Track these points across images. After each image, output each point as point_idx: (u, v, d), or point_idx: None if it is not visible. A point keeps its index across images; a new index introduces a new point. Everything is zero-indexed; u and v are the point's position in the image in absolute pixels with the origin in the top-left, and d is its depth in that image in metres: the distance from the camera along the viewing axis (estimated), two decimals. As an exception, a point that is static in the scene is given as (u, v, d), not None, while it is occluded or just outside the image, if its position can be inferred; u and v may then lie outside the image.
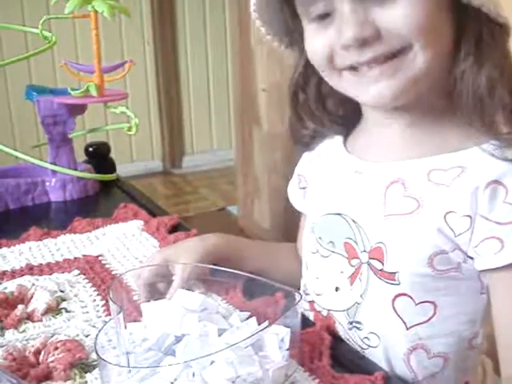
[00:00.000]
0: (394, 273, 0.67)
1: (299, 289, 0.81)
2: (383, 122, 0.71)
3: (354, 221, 0.71)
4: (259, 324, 0.66)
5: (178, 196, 3.34)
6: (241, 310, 0.73)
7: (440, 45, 0.64)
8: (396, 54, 0.63)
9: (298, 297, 0.64)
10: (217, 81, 3.72)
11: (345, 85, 0.68)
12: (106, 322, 0.64)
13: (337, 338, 0.70)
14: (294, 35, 0.73)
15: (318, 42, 0.67)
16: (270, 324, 0.60)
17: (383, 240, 0.68)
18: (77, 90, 1.17)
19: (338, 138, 0.78)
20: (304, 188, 0.85)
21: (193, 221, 2.82)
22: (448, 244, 0.65)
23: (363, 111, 0.75)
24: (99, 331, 0.58)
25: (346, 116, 0.77)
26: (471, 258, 0.64)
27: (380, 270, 0.68)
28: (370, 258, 0.69)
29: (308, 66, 0.73)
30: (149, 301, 0.75)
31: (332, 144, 0.79)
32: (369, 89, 0.65)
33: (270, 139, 2.23)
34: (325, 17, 0.65)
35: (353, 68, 0.66)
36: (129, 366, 0.59)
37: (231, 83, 3.38)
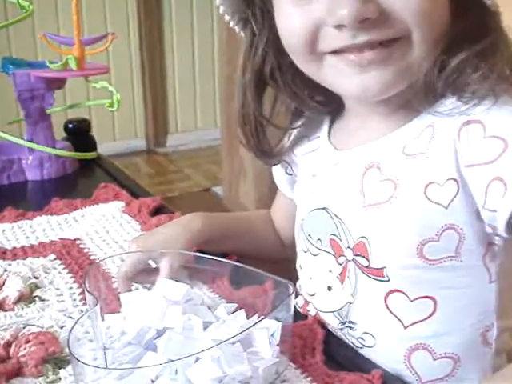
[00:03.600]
0: (381, 268, 0.62)
1: (291, 279, 0.77)
2: (362, 113, 0.66)
3: (335, 215, 0.66)
4: (248, 316, 0.61)
5: (162, 175, 3.27)
6: (228, 301, 0.68)
7: (438, 33, 0.58)
8: (392, 42, 0.57)
9: (290, 288, 0.59)
10: (203, 58, 3.63)
11: (325, 72, 0.62)
12: (81, 315, 0.59)
13: (330, 333, 0.66)
14: (254, 10, 0.66)
15: (297, 20, 0.59)
16: (261, 319, 0.56)
17: (365, 234, 0.63)
18: (56, 63, 1.11)
19: (326, 123, 0.73)
20: (291, 175, 0.80)
21: (176, 201, 2.76)
22: (434, 226, 0.59)
23: (344, 100, 0.69)
24: (73, 326, 0.53)
25: (330, 100, 0.71)
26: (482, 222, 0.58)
27: (366, 267, 0.63)
28: (354, 255, 0.64)
29: (272, 46, 0.66)
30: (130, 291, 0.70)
31: (320, 127, 0.74)
32: (352, 79, 0.59)
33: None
34: None
35: (336, 52, 0.59)
36: (106, 367, 0.54)
37: (217, 61, 3.31)
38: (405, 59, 0.58)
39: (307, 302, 0.72)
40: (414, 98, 0.60)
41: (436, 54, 0.59)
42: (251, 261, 0.71)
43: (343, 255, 0.65)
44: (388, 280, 0.61)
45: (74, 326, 0.54)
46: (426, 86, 0.59)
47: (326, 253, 0.68)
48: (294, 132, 0.77)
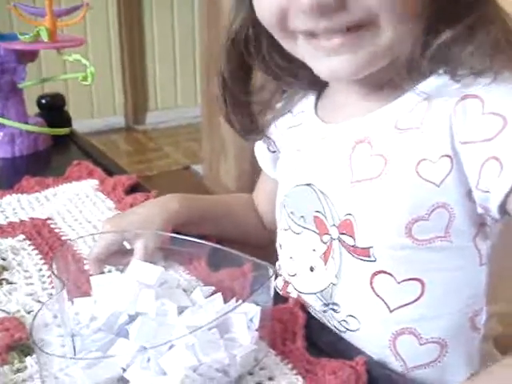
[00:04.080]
0: (368, 248, 0.59)
1: (271, 262, 0.74)
2: (343, 90, 0.64)
3: (321, 191, 0.63)
4: (225, 300, 0.58)
5: (141, 153, 3.22)
6: (204, 283, 0.65)
7: (411, 14, 0.55)
8: (360, 27, 0.55)
9: (270, 271, 0.56)
10: (183, 32, 3.56)
11: (299, 50, 0.60)
12: (47, 301, 0.56)
13: (311, 317, 0.63)
14: None
15: None
16: (239, 303, 0.53)
17: (351, 211, 0.60)
18: (27, 35, 1.06)
19: (311, 98, 0.70)
20: (274, 152, 0.77)
21: (155, 180, 2.72)
22: (425, 204, 0.56)
23: None
24: (37, 312, 0.50)
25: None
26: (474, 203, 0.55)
27: (352, 246, 0.60)
28: (340, 234, 0.61)
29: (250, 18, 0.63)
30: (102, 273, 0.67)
31: (304, 103, 0.71)
32: (323, 61, 0.57)
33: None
34: None
35: (310, 34, 0.57)
36: (74, 357, 0.51)
37: (198, 36, 3.24)
38: (375, 44, 0.55)
39: (287, 283, 0.69)
40: (396, 76, 0.58)
41: (416, 34, 0.56)
42: (232, 245, 0.68)
43: (328, 234, 0.62)
44: (374, 260, 0.59)
45: (38, 312, 0.50)
46: (408, 65, 0.56)
47: (309, 231, 0.65)
48: (277, 107, 0.74)
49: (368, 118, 0.61)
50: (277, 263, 0.74)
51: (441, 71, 0.56)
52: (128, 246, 0.69)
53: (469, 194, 0.55)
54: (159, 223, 0.71)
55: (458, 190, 0.55)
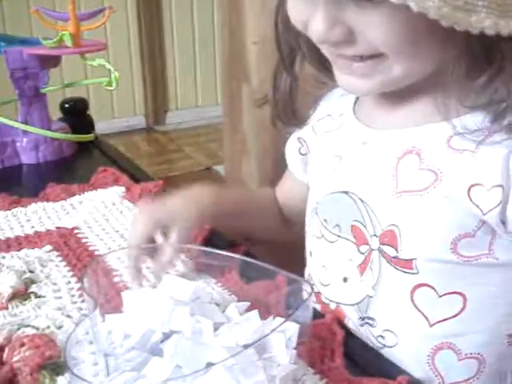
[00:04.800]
0: (411, 260, 0.57)
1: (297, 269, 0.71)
2: (388, 94, 0.61)
3: (361, 200, 0.61)
4: (261, 316, 0.56)
5: (162, 154, 3.21)
6: (238, 297, 0.63)
7: (424, 60, 0.54)
8: (371, 57, 0.53)
9: (308, 288, 0.54)
10: (203, 32, 3.54)
11: (326, 54, 0.59)
12: (79, 322, 0.54)
13: (349, 333, 0.61)
14: None
15: (294, 5, 0.56)
16: (281, 323, 0.51)
17: (396, 222, 0.58)
18: (50, 39, 1.05)
19: (351, 97, 0.67)
20: (305, 154, 0.74)
21: (177, 181, 2.70)
22: (473, 224, 0.55)
23: None
24: (69, 336, 0.48)
25: None
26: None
27: (394, 258, 0.58)
28: (381, 244, 0.59)
29: None
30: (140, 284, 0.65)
31: (344, 104, 0.68)
32: (341, 76, 0.57)
33: (260, 99, 2.11)
34: None
35: None
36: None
37: (218, 35, 3.22)
38: (387, 73, 0.54)
39: (319, 293, 0.67)
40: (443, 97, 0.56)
41: (446, 61, 0.54)
42: (254, 243, 0.67)
43: (367, 244, 0.60)
44: (417, 273, 0.57)
45: (71, 333, 0.48)
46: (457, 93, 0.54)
47: (345, 240, 0.63)
48: (317, 109, 0.72)
49: (421, 130, 0.58)
50: (306, 271, 0.72)
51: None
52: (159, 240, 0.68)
53: None
54: (194, 216, 0.70)
55: (504, 216, 0.54)
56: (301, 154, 0.75)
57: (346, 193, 0.63)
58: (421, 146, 0.57)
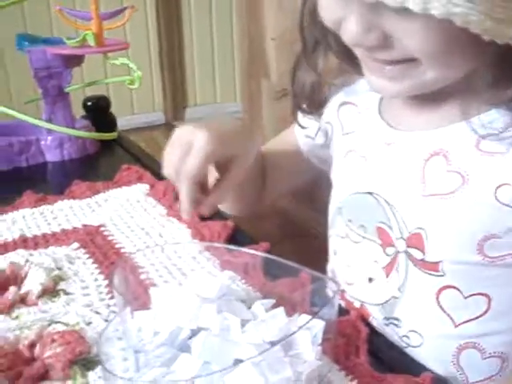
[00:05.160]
0: (437, 262, 0.57)
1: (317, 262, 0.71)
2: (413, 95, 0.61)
3: (387, 202, 0.61)
4: (286, 313, 0.57)
5: (181, 150, 3.22)
6: (262, 294, 0.64)
7: (457, 67, 0.54)
8: (404, 61, 0.53)
9: (334, 286, 0.55)
10: (221, 28, 3.55)
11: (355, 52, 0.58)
12: (110, 320, 0.55)
13: (373, 331, 0.61)
14: None
15: (327, 5, 0.55)
16: (308, 321, 0.51)
17: (423, 225, 0.58)
18: (73, 39, 1.06)
19: (377, 94, 0.66)
20: (312, 138, 0.74)
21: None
22: (500, 225, 0.55)
23: None
24: (101, 334, 0.49)
25: None
26: None
27: (421, 260, 0.58)
28: (407, 247, 0.59)
29: None
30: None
31: (370, 99, 0.67)
32: (371, 78, 0.57)
33: (279, 92, 2.12)
34: None
35: None
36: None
37: (237, 31, 3.23)
38: (419, 78, 0.54)
39: (343, 291, 0.68)
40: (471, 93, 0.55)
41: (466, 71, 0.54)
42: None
43: (393, 246, 0.60)
44: (443, 275, 0.57)
45: (103, 331, 0.50)
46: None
47: (370, 241, 0.63)
48: (341, 97, 0.71)
49: (447, 130, 0.58)
50: (328, 268, 0.72)
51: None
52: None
53: None
54: (251, 149, 0.67)
55: None
56: (309, 137, 0.75)
57: (371, 194, 0.63)
58: (448, 148, 0.57)
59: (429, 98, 0.59)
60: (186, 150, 0.60)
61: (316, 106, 0.69)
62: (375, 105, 0.66)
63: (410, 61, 0.53)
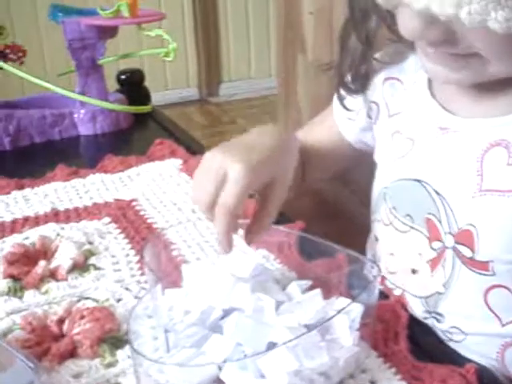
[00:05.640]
0: (488, 262, 0.54)
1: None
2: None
3: (437, 192, 0.57)
4: (323, 295, 0.55)
5: (214, 126, 3.19)
6: (298, 274, 0.62)
7: None
8: (467, 55, 0.50)
9: (375, 269, 0.52)
10: (257, 3, 3.49)
11: None
12: (141, 297, 0.54)
13: (413, 318, 0.58)
14: None
15: None
16: (347, 305, 0.49)
17: (474, 222, 0.54)
18: (107, 10, 1.04)
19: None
20: (371, 118, 0.68)
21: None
22: None
23: None
24: (131, 312, 0.48)
25: None
26: None
27: (470, 259, 0.55)
28: (456, 243, 0.56)
29: None
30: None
31: (419, 77, 0.62)
32: (428, 64, 0.53)
33: (316, 68, 2.07)
34: None
35: None
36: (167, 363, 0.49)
37: (273, 5, 3.17)
38: (480, 71, 0.51)
39: (383, 277, 0.65)
40: None
41: None
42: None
43: (440, 240, 0.57)
44: (493, 274, 0.54)
45: (133, 309, 0.48)
46: None
47: (417, 232, 0.59)
48: (385, 73, 0.67)
49: (509, 120, 0.54)
50: (368, 252, 0.70)
51: None
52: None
53: None
54: (290, 167, 0.61)
55: None
56: (367, 116, 0.70)
57: (419, 181, 0.59)
58: (511, 139, 0.53)
59: (488, 85, 0.55)
60: (220, 181, 0.54)
61: (361, 78, 0.65)
62: (424, 81, 0.62)
63: (474, 55, 0.50)
